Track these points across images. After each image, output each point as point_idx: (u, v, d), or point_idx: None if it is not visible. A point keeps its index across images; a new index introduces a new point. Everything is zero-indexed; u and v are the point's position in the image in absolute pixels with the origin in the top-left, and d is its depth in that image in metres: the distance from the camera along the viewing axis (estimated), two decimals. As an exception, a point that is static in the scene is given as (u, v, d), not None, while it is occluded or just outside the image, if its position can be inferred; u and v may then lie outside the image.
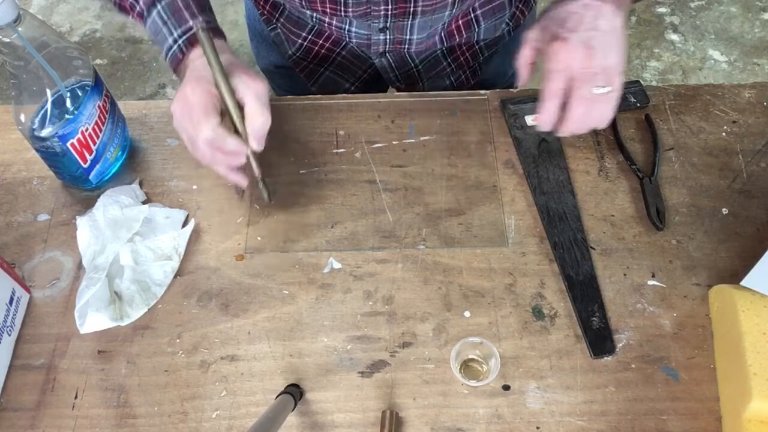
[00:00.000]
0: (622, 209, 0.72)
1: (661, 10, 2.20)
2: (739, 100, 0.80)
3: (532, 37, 0.66)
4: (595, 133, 0.77)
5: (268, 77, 1.03)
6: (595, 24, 0.63)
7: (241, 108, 0.60)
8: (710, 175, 0.74)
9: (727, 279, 0.66)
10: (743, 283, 0.61)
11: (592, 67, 0.63)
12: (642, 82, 0.80)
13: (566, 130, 0.65)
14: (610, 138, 0.77)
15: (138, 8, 0.69)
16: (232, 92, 0.60)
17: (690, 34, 2.13)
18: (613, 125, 0.78)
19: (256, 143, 0.61)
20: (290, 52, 0.88)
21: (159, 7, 0.67)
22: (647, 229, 0.70)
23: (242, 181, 0.65)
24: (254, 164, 0.63)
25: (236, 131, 0.61)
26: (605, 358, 0.62)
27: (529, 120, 0.77)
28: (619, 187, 0.73)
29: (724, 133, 0.77)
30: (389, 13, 0.75)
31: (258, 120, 0.60)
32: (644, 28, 2.15)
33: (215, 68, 0.57)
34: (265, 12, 0.88)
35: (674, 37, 2.13)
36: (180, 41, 0.65)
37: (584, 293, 0.66)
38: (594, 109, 0.64)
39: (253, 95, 0.60)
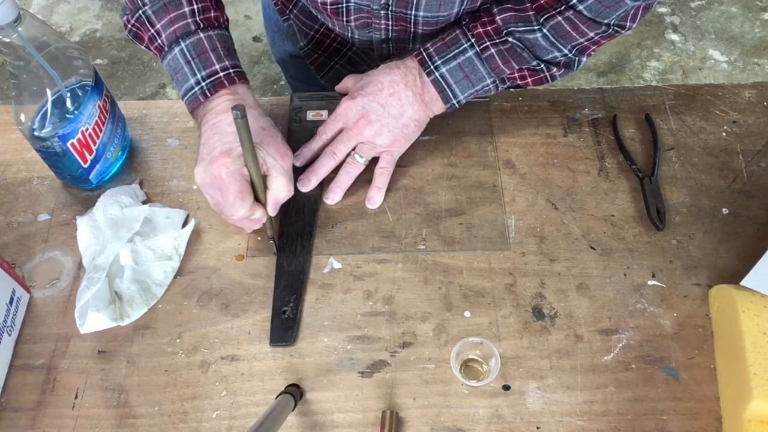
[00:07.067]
0: (622, 209, 0.72)
1: (661, 10, 2.20)
2: (739, 100, 0.80)
3: (345, 85, 0.75)
4: (595, 133, 0.77)
5: (282, 67, 1.03)
6: (386, 101, 0.70)
7: (264, 176, 0.64)
8: (710, 175, 0.74)
9: (727, 279, 0.66)
10: (743, 283, 0.61)
11: (362, 135, 0.70)
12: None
13: (311, 179, 0.71)
14: (610, 138, 0.77)
15: (158, 42, 0.68)
16: (259, 168, 0.61)
17: (690, 34, 2.13)
18: (614, 125, 0.78)
19: (274, 210, 0.65)
20: (302, 44, 0.89)
21: (183, 45, 0.66)
22: (647, 229, 0.70)
23: (251, 229, 0.69)
24: (269, 226, 0.66)
25: (255, 193, 0.64)
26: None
27: (311, 114, 0.78)
28: (619, 187, 0.73)
29: (724, 133, 0.77)
30: (390, 27, 0.75)
31: (282, 194, 0.64)
32: (644, 28, 2.15)
33: (248, 152, 0.58)
34: (279, 2, 0.88)
35: (674, 37, 2.13)
36: (204, 84, 0.65)
37: (288, 283, 0.67)
38: (342, 169, 0.71)
39: (280, 170, 0.63)
